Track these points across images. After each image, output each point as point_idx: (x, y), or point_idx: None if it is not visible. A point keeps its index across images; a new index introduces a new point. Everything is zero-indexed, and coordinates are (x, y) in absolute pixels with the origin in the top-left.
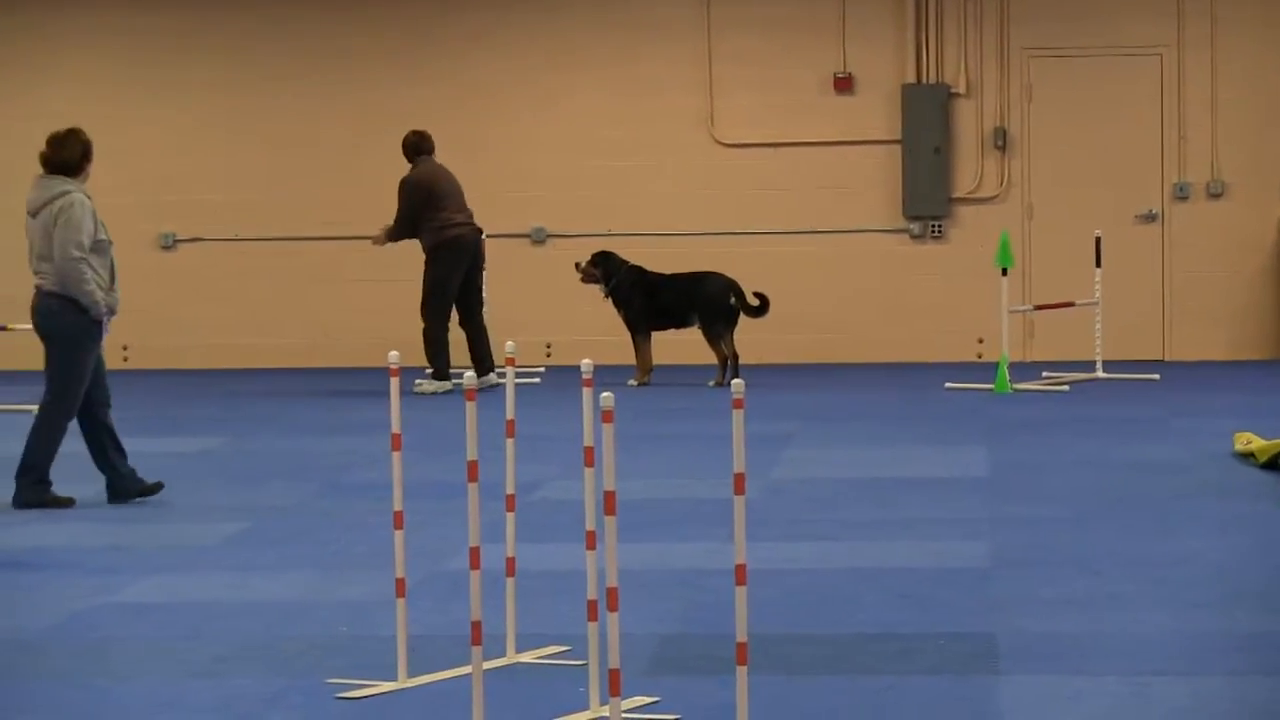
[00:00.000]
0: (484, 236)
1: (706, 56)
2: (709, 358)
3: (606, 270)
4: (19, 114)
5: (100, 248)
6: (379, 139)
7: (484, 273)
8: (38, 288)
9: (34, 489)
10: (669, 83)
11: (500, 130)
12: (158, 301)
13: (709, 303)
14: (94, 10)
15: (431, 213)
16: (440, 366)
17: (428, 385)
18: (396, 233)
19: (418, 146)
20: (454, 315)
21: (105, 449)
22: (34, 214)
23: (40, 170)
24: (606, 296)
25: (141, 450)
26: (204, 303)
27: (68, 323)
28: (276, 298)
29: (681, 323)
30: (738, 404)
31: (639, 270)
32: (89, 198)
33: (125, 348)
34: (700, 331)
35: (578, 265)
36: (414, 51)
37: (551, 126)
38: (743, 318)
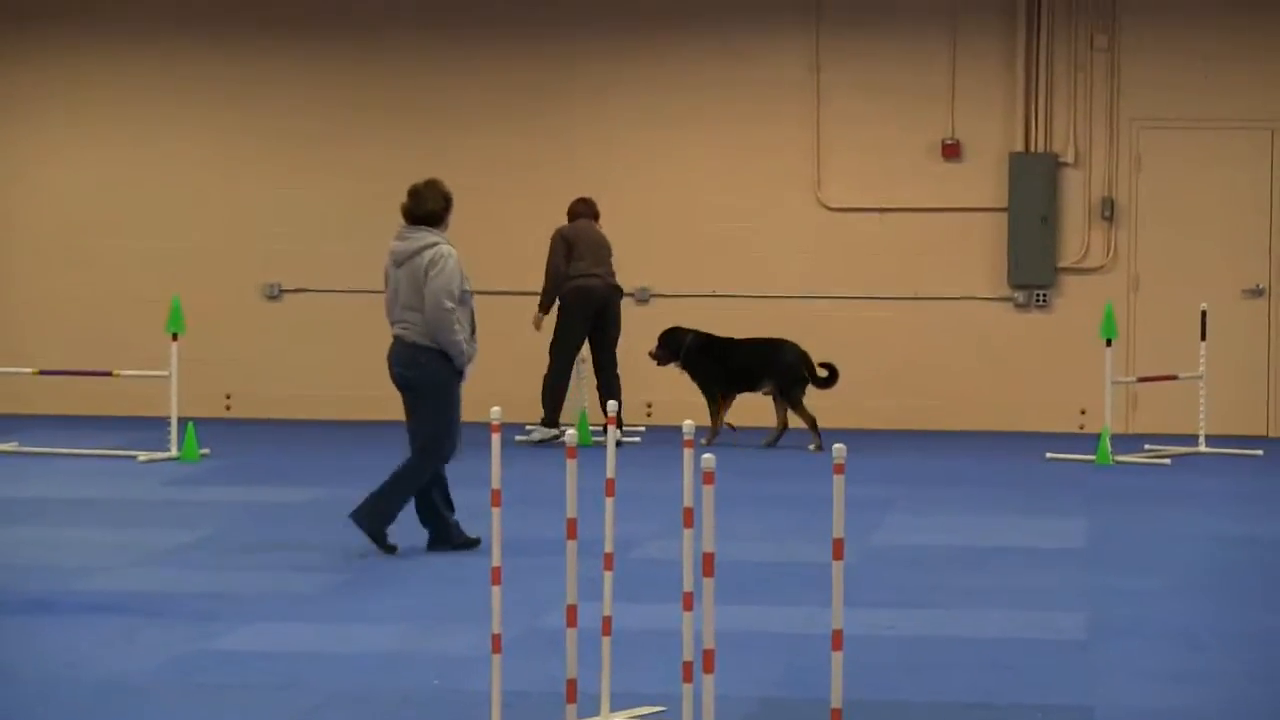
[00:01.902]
0: (621, 295)
1: (815, 120)
2: (784, 421)
3: (674, 345)
4: (145, 159)
5: (465, 299)
6: (490, 192)
7: (618, 329)
8: (399, 338)
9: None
10: (777, 145)
11: (610, 187)
12: (262, 351)
13: (786, 370)
14: (209, 60)
15: (568, 266)
16: (549, 414)
17: (535, 433)
18: (545, 297)
19: (574, 211)
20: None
21: (434, 499)
22: (399, 264)
23: (402, 221)
24: (682, 369)
25: (242, 500)
26: (307, 353)
27: (433, 371)
28: (379, 349)
29: (752, 387)
30: (838, 469)
31: (707, 337)
32: (453, 248)
33: (228, 396)
34: (770, 396)
35: (651, 354)
36: (528, 105)
37: (659, 186)
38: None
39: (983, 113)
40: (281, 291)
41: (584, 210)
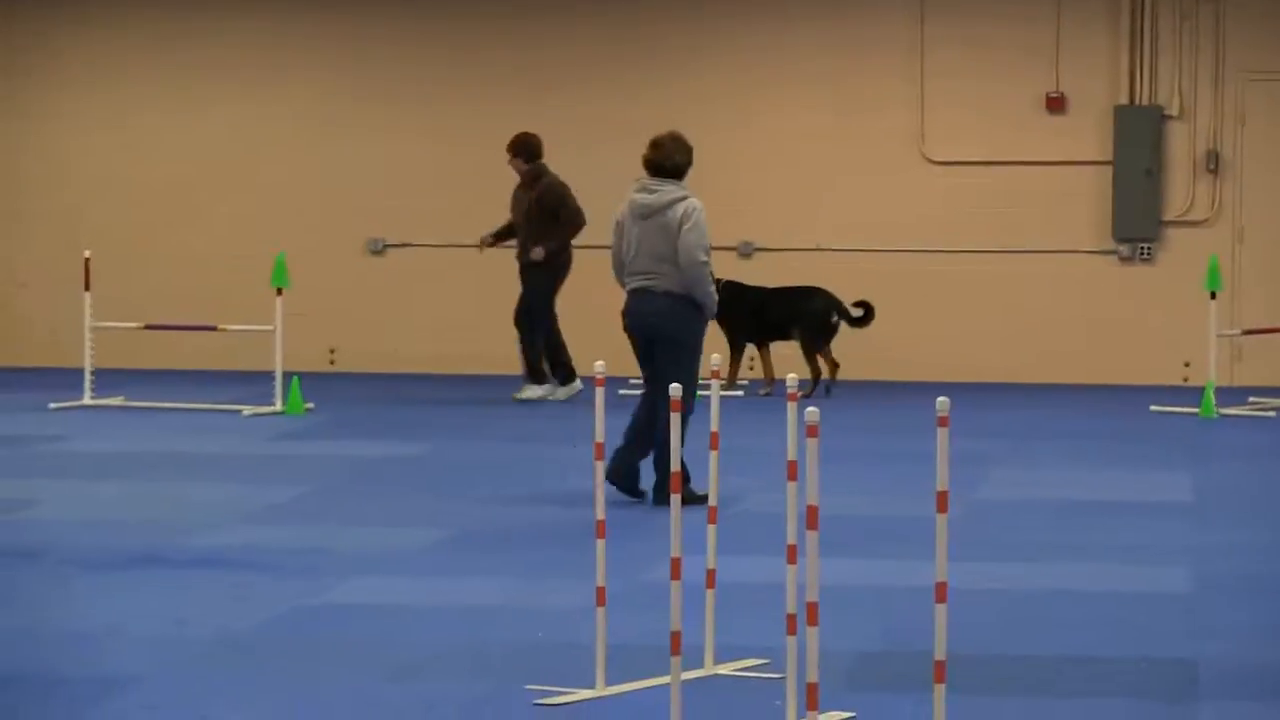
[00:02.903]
0: None
1: (919, 74)
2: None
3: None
4: (248, 116)
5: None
6: (585, 152)
7: None
8: (647, 289)
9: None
10: (881, 99)
11: (712, 143)
12: (365, 305)
13: (811, 318)
14: (311, 18)
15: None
16: (570, 366)
17: (562, 391)
18: (562, 243)
19: (539, 148)
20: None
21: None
22: (646, 217)
23: (642, 173)
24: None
25: (347, 454)
26: (410, 307)
27: (688, 320)
28: (481, 303)
29: (783, 335)
30: (943, 422)
31: (737, 285)
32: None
33: (332, 350)
34: (800, 345)
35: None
36: (623, 64)
37: (762, 141)
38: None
39: (1087, 66)
40: (385, 246)
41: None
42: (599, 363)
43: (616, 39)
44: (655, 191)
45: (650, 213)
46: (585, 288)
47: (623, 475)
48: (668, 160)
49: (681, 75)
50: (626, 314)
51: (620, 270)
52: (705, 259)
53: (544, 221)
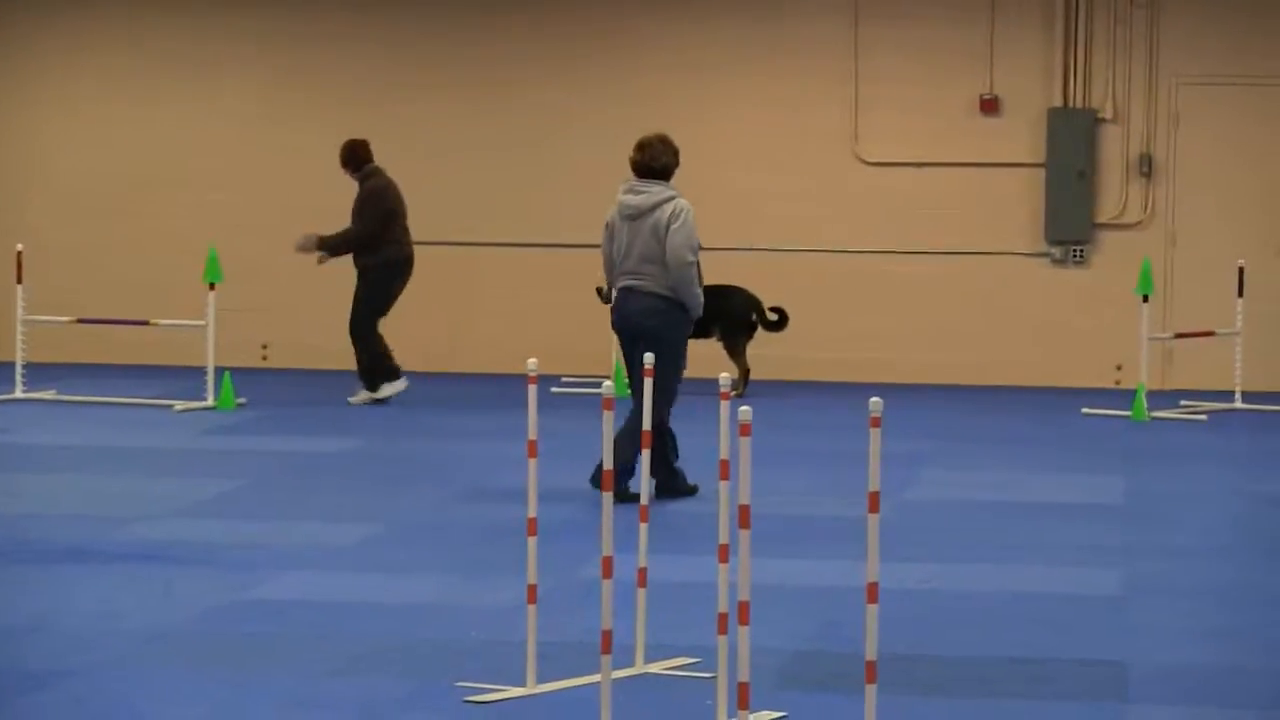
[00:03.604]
0: None
1: (853, 75)
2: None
3: None
4: (181, 111)
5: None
6: (530, 146)
7: None
8: (635, 289)
9: (679, 479)
10: (814, 100)
11: None
12: (298, 301)
13: (730, 316)
14: (257, 14)
15: (392, 226)
16: (394, 367)
17: (387, 389)
18: (347, 244)
19: (367, 154)
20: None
21: (665, 449)
22: (634, 218)
23: (630, 175)
24: None
25: (279, 450)
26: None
27: (672, 322)
28: (414, 299)
29: (704, 334)
30: (875, 422)
31: None
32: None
33: (265, 346)
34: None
35: (599, 290)
36: (565, 59)
37: (696, 139)
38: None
39: (1021, 68)
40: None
41: (370, 154)
42: (532, 360)
43: (557, 36)
44: (643, 193)
45: (638, 214)
46: (521, 285)
47: (662, 486)
48: (655, 161)
49: (622, 73)
50: (615, 313)
51: (611, 271)
52: (693, 259)
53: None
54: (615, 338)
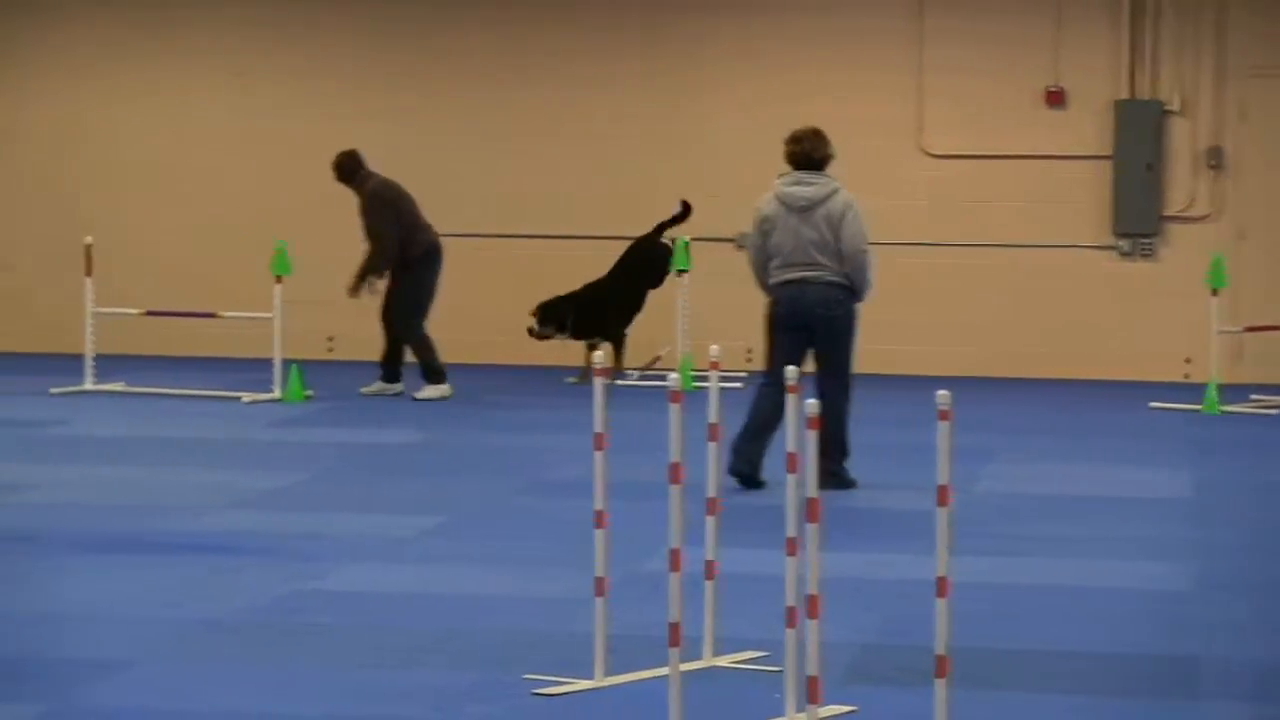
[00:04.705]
0: None
1: (918, 67)
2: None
3: (555, 318)
4: (252, 103)
5: None
6: (587, 141)
7: None
8: (810, 280)
9: (842, 470)
10: (878, 92)
11: (711, 135)
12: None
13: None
14: (323, 5)
15: (400, 227)
16: (437, 368)
17: (433, 391)
18: (381, 260)
19: (358, 163)
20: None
21: (843, 435)
22: (805, 209)
23: (786, 168)
24: (573, 337)
25: (345, 441)
26: None
27: (850, 310)
28: (479, 292)
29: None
30: (944, 416)
31: (568, 297)
32: None
33: (330, 338)
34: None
35: (531, 331)
36: (623, 55)
37: (759, 131)
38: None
39: (1087, 60)
40: None
41: (362, 161)
42: (598, 353)
43: (614, 31)
44: (811, 184)
45: (810, 205)
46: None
47: (746, 465)
48: (816, 153)
49: (681, 66)
50: (780, 304)
51: (764, 265)
52: (867, 248)
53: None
54: (770, 326)
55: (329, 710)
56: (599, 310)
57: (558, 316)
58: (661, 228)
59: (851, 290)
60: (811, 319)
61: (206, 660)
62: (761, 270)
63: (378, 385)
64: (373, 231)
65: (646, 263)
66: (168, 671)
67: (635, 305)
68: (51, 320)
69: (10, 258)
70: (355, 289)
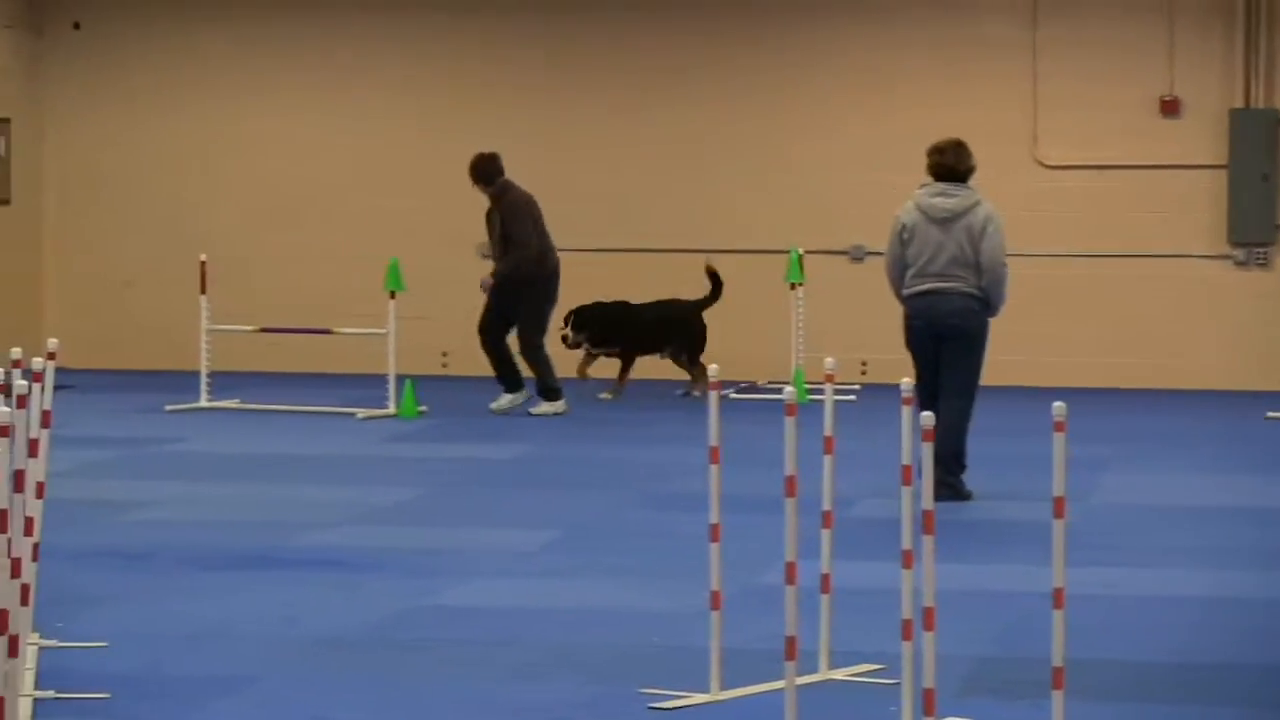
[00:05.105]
0: None
1: (1032, 76)
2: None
3: (586, 324)
4: (360, 121)
5: None
6: (700, 154)
7: None
8: (945, 291)
9: (959, 482)
10: (993, 102)
11: (821, 145)
12: (478, 309)
13: (686, 330)
14: (427, 22)
15: (544, 239)
16: (558, 387)
17: (548, 407)
18: (524, 265)
19: (498, 167)
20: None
21: (962, 446)
22: (947, 221)
23: (928, 180)
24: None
25: (460, 457)
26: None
27: (983, 322)
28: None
29: (654, 349)
30: (1059, 427)
31: (599, 305)
32: None
33: (444, 354)
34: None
35: (564, 339)
36: (738, 66)
37: (873, 143)
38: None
39: (1202, 68)
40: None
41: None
42: (713, 366)
43: (727, 43)
44: (954, 196)
45: (952, 217)
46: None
47: (949, 484)
48: (961, 165)
49: (792, 79)
50: (917, 316)
51: (901, 275)
52: (1005, 261)
53: (506, 241)
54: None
55: None
56: (618, 328)
57: (588, 325)
58: (701, 306)
59: (986, 303)
60: (944, 329)
61: (326, 676)
62: (897, 280)
63: (506, 400)
64: (516, 238)
65: (679, 324)
66: (288, 687)
67: (650, 345)
68: (167, 338)
69: (129, 274)
70: (491, 286)
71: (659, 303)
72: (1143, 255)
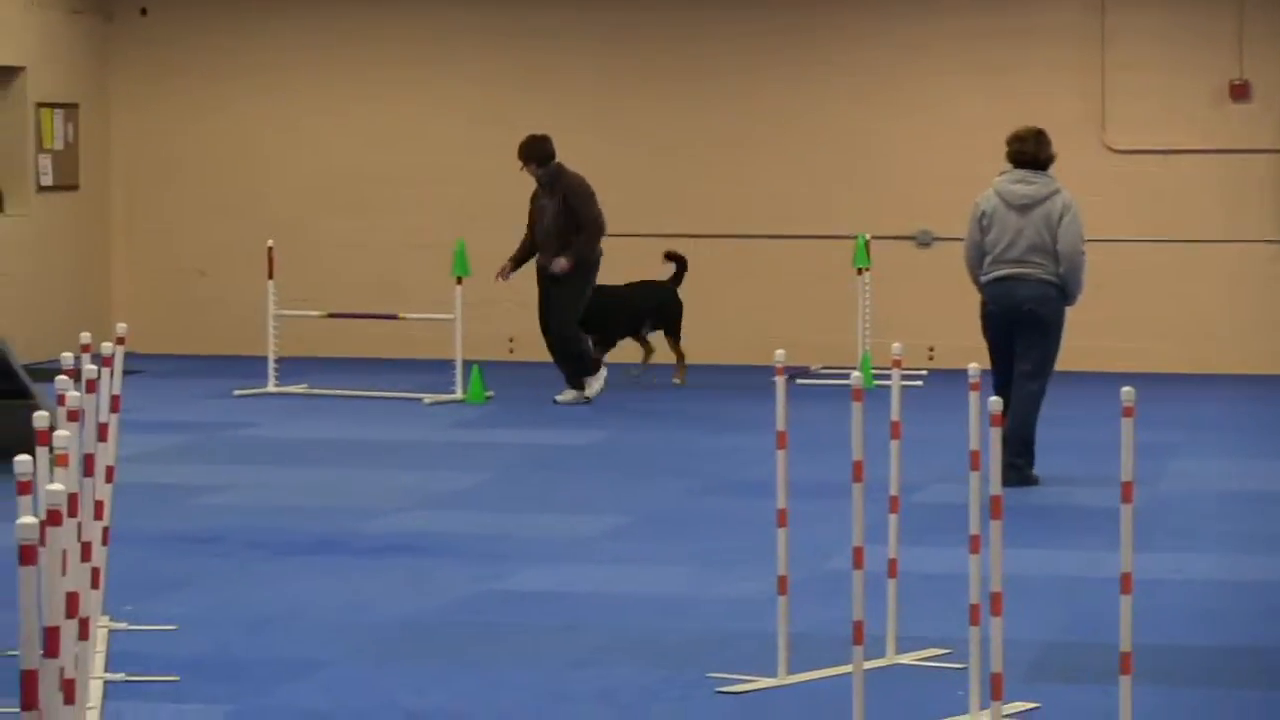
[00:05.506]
0: None
1: (1099, 63)
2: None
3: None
4: (439, 104)
5: None
6: (748, 143)
7: None
8: (1024, 276)
9: (1028, 468)
10: (1060, 88)
11: (887, 131)
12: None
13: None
14: (493, 9)
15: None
16: (597, 360)
17: (591, 388)
18: (593, 241)
19: (552, 149)
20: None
21: (1033, 433)
22: (1026, 208)
23: (1007, 166)
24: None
25: (527, 442)
26: None
27: (1059, 307)
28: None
29: (633, 330)
30: (1127, 412)
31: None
32: None
33: (511, 339)
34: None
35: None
36: (790, 54)
37: (939, 129)
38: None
39: (1272, 53)
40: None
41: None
42: (779, 351)
43: (779, 29)
44: (1034, 183)
45: (1032, 204)
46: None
47: (1018, 468)
48: (1041, 153)
49: (861, 66)
50: (993, 302)
51: (979, 261)
52: (1083, 249)
53: (570, 225)
54: (986, 326)
55: (516, 709)
56: (599, 311)
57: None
58: (676, 284)
59: (1063, 291)
60: (1020, 315)
61: (397, 660)
62: (975, 266)
63: (598, 383)
64: (590, 217)
65: (659, 303)
66: (359, 672)
67: (631, 328)
68: (237, 323)
69: (202, 263)
70: (566, 268)
71: (636, 284)
72: (1212, 241)
